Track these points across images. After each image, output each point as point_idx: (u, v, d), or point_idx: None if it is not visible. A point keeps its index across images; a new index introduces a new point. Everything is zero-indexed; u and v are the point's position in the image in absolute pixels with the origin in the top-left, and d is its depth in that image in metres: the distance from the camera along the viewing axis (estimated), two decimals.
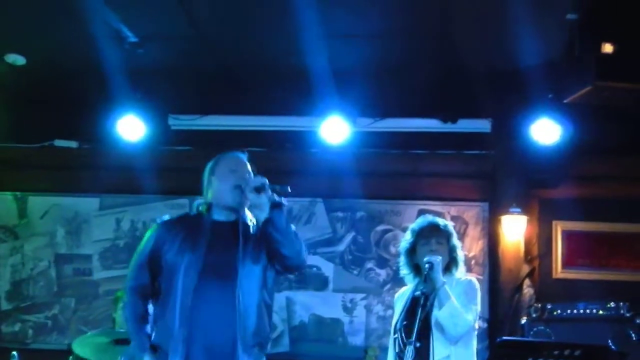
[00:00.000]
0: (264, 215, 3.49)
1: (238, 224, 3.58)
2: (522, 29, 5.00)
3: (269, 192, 3.50)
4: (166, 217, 3.74)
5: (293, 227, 3.58)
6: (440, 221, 4.17)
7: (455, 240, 4.11)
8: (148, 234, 3.68)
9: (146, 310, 3.60)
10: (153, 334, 3.56)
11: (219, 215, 3.64)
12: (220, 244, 3.56)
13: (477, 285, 4.05)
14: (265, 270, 3.58)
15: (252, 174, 3.66)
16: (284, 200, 3.54)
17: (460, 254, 4.12)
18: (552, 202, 6.80)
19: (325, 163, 6.82)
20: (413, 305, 3.90)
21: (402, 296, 4.19)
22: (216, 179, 3.67)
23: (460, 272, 4.10)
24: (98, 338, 4.75)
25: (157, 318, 3.55)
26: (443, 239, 4.06)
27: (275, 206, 3.49)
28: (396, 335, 3.96)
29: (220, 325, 3.43)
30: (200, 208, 3.68)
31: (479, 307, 4.00)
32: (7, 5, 5.24)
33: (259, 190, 3.49)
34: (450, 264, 4.06)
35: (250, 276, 3.51)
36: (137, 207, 7.20)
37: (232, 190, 3.58)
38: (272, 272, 3.62)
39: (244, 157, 3.77)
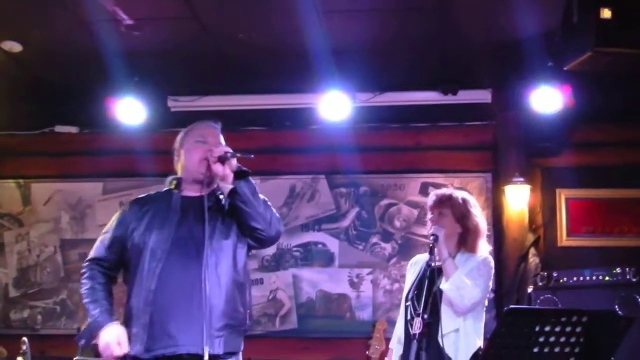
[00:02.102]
0: (229, 186, 3.27)
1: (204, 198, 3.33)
2: None
3: (233, 161, 3.26)
4: (137, 197, 3.54)
5: (262, 197, 3.35)
6: (446, 192, 4.16)
7: (464, 210, 4.05)
8: (116, 215, 3.49)
9: (105, 282, 3.36)
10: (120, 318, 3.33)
11: (189, 190, 3.41)
12: (189, 222, 3.32)
13: (492, 263, 3.99)
14: (236, 246, 3.33)
15: (222, 144, 3.40)
16: (246, 169, 3.29)
17: (473, 223, 4.05)
18: (554, 171, 6.79)
19: (326, 139, 6.82)
20: (424, 277, 3.92)
21: (415, 264, 4.19)
22: (184, 152, 3.47)
23: (481, 245, 4.03)
24: None
25: (125, 301, 3.32)
26: (446, 210, 4.05)
27: (240, 176, 3.26)
28: (408, 303, 3.97)
29: (184, 308, 3.16)
30: (170, 184, 3.44)
31: (491, 284, 3.96)
32: None
33: (222, 160, 3.25)
34: (464, 235, 4.04)
35: (219, 253, 3.26)
36: (140, 190, 7.07)
37: (198, 162, 3.35)
38: (244, 247, 3.37)
39: (215, 126, 3.53)
